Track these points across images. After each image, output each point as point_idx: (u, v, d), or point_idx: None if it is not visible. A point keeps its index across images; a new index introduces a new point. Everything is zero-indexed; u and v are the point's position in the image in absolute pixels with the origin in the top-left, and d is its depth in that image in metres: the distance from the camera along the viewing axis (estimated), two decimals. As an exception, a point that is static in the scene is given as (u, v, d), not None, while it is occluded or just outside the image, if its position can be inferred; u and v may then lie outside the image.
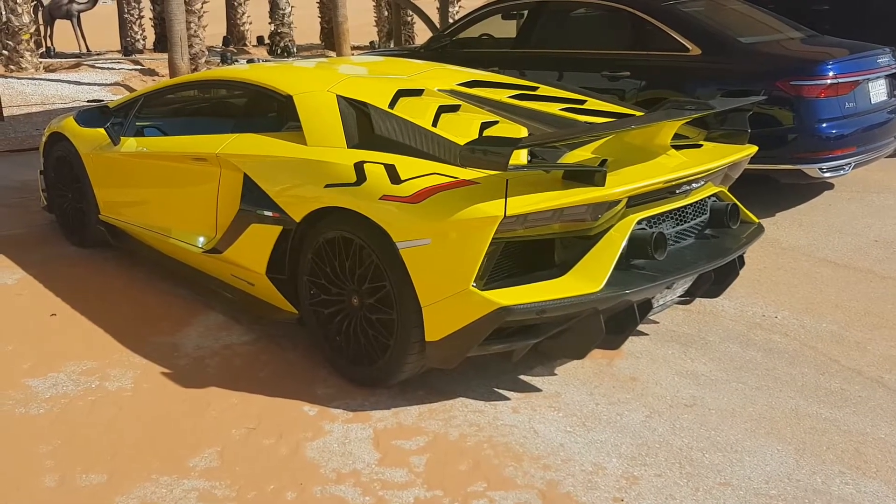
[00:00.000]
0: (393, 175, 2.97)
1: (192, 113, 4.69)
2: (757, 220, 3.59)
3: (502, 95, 3.84)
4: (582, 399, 3.12)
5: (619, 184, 2.85)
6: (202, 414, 3.04)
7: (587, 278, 2.83)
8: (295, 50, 21.92)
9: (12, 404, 3.12)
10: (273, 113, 3.92)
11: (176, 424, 2.98)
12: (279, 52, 21.98)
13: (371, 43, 22.09)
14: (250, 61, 16.71)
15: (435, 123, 3.32)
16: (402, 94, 3.64)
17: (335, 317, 3.28)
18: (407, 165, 3.01)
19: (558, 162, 3.05)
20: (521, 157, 2.88)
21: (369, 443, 2.84)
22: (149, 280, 4.45)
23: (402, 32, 17.97)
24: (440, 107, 3.52)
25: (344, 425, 2.96)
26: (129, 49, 21.06)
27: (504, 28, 7.49)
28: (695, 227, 3.30)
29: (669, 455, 2.75)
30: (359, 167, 3.07)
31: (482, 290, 2.78)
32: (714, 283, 3.37)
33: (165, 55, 19.90)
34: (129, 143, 4.35)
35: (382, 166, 3.03)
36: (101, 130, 4.53)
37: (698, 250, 3.21)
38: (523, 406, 3.07)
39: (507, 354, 3.05)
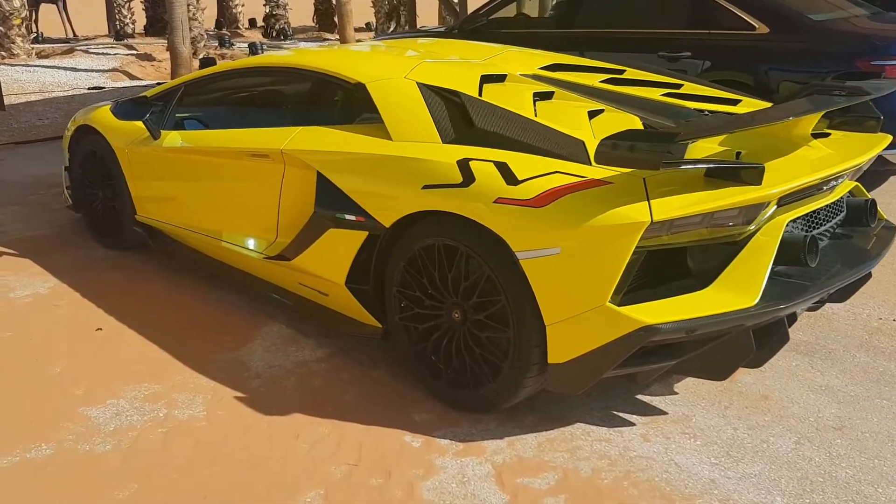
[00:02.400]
0: (507, 174, 2.61)
1: (243, 104, 4.29)
2: (884, 217, 3.26)
3: (592, 80, 3.48)
4: (716, 423, 2.78)
5: (774, 182, 2.49)
6: (292, 448, 2.69)
7: (738, 290, 2.49)
8: (291, 32, 21.41)
9: (73, 440, 2.76)
10: (341, 103, 3.54)
11: (264, 462, 2.62)
12: (275, 34, 21.46)
13: (367, 24, 21.57)
14: (252, 45, 16.19)
15: (535, 114, 2.95)
16: (485, 80, 3.27)
17: (431, 333, 2.92)
18: (521, 163, 2.65)
19: (706, 158, 2.68)
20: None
21: (492, 481, 2.50)
22: (195, 287, 4.08)
23: (401, 13, 17.48)
24: (534, 94, 3.15)
25: (457, 460, 2.61)
26: (120, 33, 20.48)
27: (541, 7, 7.12)
28: (832, 227, 2.95)
29: (837, 490, 2.42)
30: (464, 166, 2.70)
31: (620, 305, 2.42)
32: (846, 286, 3.03)
33: (159, 39, 19.37)
34: (172, 138, 3.95)
35: (492, 164, 2.67)
36: (138, 123, 4.14)
37: (840, 253, 2.87)
38: (653, 433, 2.73)
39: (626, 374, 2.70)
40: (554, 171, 2.58)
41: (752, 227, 2.54)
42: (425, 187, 2.76)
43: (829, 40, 5.14)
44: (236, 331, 3.57)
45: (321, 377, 3.16)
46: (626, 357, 2.46)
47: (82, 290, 4.04)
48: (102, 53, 17.62)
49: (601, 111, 3.08)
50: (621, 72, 3.73)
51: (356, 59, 3.70)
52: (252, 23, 22.02)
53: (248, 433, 2.78)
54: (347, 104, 3.47)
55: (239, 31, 22.00)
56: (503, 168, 2.63)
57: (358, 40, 14.86)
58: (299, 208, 3.36)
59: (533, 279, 2.52)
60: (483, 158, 2.70)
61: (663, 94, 3.38)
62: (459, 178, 2.68)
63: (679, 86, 3.58)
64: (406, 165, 2.86)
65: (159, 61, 16.55)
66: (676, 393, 2.97)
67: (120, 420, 2.87)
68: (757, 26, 5.38)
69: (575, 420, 2.82)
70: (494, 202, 2.58)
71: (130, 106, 4.38)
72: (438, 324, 2.90)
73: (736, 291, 2.48)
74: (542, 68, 3.60)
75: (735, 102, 3.33)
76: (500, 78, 3.39)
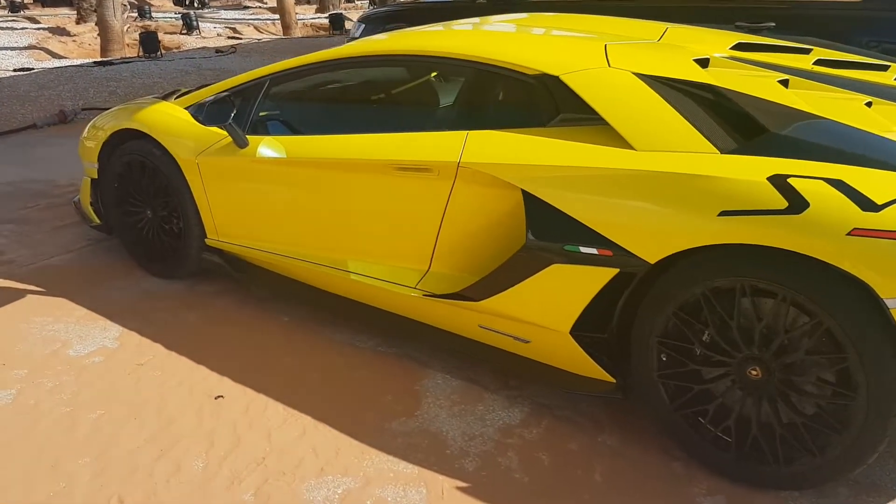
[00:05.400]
0: (856, 197, 2.01)
1: (363, 102, 3.51)
2: None
3: (804, 63, 2.92)
4: None
5: None
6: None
7: None
8: (208, 0, 20.01)
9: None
10: (521, 100, 2.85)
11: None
12: (188, 2, 20.01)
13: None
14: (185, 16, 14.86)
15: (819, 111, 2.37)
16: (702, 66, 2.67)
17: (709, 398, 2.33)
18: (865, 180, 2.06)
19: None
20: None
21: None
22: (305, 326, 3.35)
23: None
24: (778, 82, 2.56)
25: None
26: (15, 4, 18.70)
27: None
28: None
29: None
30: (783, 185, 2.09)
31: None
32: None
33: (59, 10, 17.68)
34: (268, 146, 3.16)
35: (825, 183, 2.06)
36: (213, 129, 3.32)
37: None
38: None
39: None
40: (915, 189, 2.00)
41: None
42: (724, 214, 2.13)
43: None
44: (394, 387, 2.88)
45: (545, 450, 2.52)
46: None
47: (162, 340, 3.24)
48: (7, 28, 15.96)
49: (869, 103, 2.51)
50: (808, 51, 3.17)
51: (517, 43, 2.98)
52: (165, -10, 20.47)
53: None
54: (531, 102, 2.78)
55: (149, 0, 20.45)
56: (844, 188, 2.04)
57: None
58: (478, 235, 2.70)
59: (905, 335, 1.95)
60: (807, 175, 2.10)
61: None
62: (783, 203, 2.06)
63: (886, 66, 3.06)
64: (684, 185, 2.22)
65: (75, 35, 15.09)
66: None
67: (329, 539, 2.16)
68: (853, -7, 4.91)
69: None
70: (848, 234, 1.98)
71: (197, 107, 3.54)
72: (722, 387, 2.30)
73: None
74: (733, 48, 3.02)
75: None
76: (704, 62, 2.78)
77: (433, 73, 3.26)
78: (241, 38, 16.56)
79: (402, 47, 3.10)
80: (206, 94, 3.56)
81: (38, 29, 15.67)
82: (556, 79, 2.64)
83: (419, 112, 3.31)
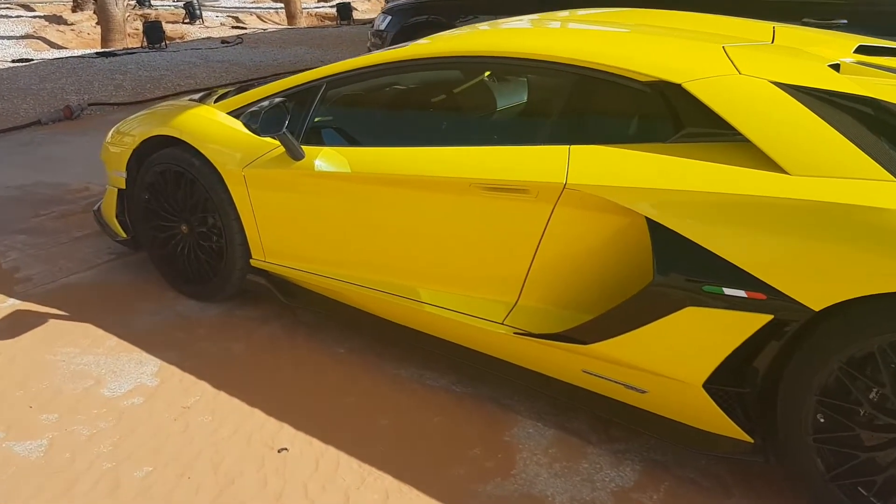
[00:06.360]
0: None
1: (439, 110, 3.13)
2: None
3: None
4: None
5: None
6: None
7: None
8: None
9: None
10: (635, 111, 2.48)
11: None
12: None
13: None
14: (188, 4, 14.41)
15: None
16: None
17: (878, 469, 1.96)
18: None
19: None
20: None
21: None
22: (364, 359, 3.00)
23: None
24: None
25: None
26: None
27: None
28: None
29: None
30: None
31: None
32: None
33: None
34: (326, 158, 2.79)
35: None
36: (262, 138, 2.95)
37: None
38: None
39: None
40: None
41: None
42: (915, 255, 1.77)
43: None
44: (480, 437, 2.52)
45: (674, 519, 2.15)
46: None
47: (207, 377, 2.86)
48: (2, 16, 15.51)
49: None
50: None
51: (623, 44, 2.60)
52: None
53: None
54: (645, 113, 2.42)
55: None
56: None
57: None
58: (578, 266, 2.35)
59: None
60: None
61: None
62: None
63: None
64: (863, 220, 1.86)
65: (72, 24, 14.65)
66: None
67: None
68: (934, -12, 4.57)
69: None
70: None
71: (242, 112, 3.16)
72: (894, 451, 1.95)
73: None
74: (857, 52, 2.67)
75: None
76: (836, 70, 2.43)
77: (520, 78, 2.88)
78: (245, 28, 16.11)
79: (482, 47, 2.72)
80: (250, 97, 3.18)
81: (34, 17, 15.21)
82: (677, 87, 2.28)
83: (505, 123, 2.94)
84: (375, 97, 3.10)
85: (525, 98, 3.01)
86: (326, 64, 2.97)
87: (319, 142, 2.95)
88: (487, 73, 3.02)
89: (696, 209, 2.06)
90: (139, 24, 14.14)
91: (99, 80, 9.16)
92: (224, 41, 13.13)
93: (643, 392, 2.31)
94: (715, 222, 2.03)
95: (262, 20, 18.11)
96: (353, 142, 2.95)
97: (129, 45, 12.28)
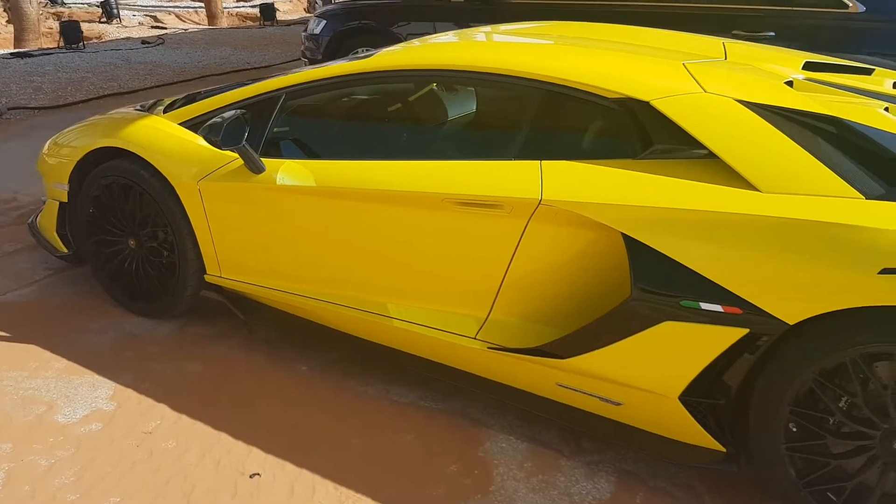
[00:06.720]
0: None
1: (405, 123, 3.10)
2: None
3: (878, 84, 2.71)
4: None
5: None
6: None
7: None
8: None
9: None
10: (603, 128, 2.52)
11: None
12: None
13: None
14: (105, 3, 13.90)
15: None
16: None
17: (847, 475, 2.05)
18: None
19: None
20: None
21: None
22: (327, 375, 2.96)
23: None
24: (882, 111, 2.33)
25: None
26: None
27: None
28: None
29: None
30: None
31: None
32: None
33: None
34: (290, 172, 2.74)
35: None
36: (218, 150, 2.88)
37: None
38: None
39: None
40: None
41: None
42: (885, 272, 1.85)
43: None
44: (454, 453, 2.52)
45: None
46: None
47: (166, 399, 2.78)
48: None
49: None
50: (870, 71, 2.96)
51: (584, 59, 2.63)
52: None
53: None
54: (613, 129, 2.47)
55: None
56: None
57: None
58: (551, 281, 2.38)
59: None
60: (985, 228, 1.83)
61: None
62: (966, 260, 1.80)
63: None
64: (835, 237, 1.93)
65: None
66: None
67: None
68: (850, 4, 4.81)
69: None
70: None
71: (195, 123, 3.07)
72: (863, 458, 2.03)
73: None
74: (805, 68, 2.78)
75: None
76: (789, 84, 2.54)
77: (486, 92, 2.88)
78: (165, 28, 15.66)
79: (448, 61, 2.72)
80: (204, 107, 3.10)
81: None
82: (645, 104, 2.33)
83: (473, 137, 2.94)
84: (338, 109, 3.06)
85: (489, 112, 3.01)
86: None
87: (279, 154, 2.89)
88: (438, 87, 3.01)
89: (672, 226, 2.10)
90: (53, 24, 13.59)
91: (16, 83, 8.76)
92: (145, 41, 12.74)
93: (618, 404, 2.34)
94: (692, 238, 2.08)
95: (181, 20, 17.64)
96: (315, 154, 2.90)
97: (44, 45, 11.77)
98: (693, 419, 2.21)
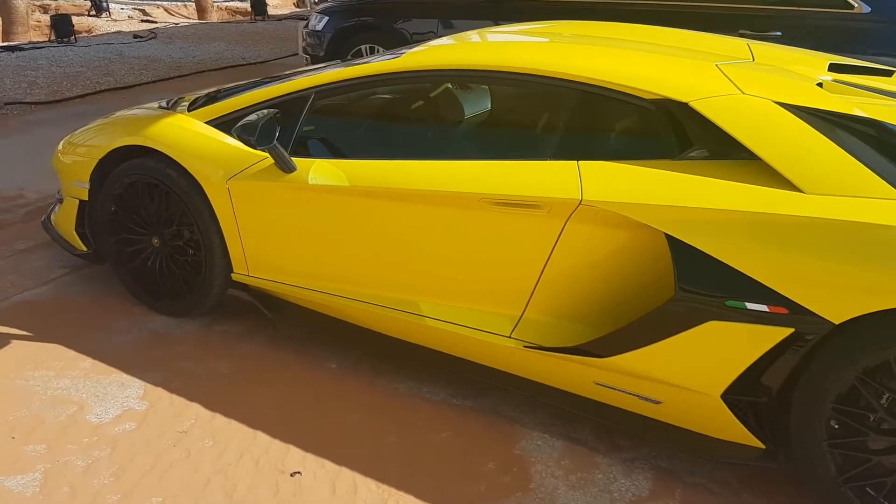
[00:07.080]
0: None
1: (439, 123, 3.10)
2: None
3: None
4: None
5: None
6: None
7: None
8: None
9: None
10: (641, 129, 2.54)
11: None
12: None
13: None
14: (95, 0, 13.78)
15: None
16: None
17: (890, 471, 2.09)
18: None
19: None
20: None
21: None
22: (358, 374, 2.97)
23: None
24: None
25: None
26: None
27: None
28: None
29: None
30: None
31: None
32: None
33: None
34: (322, 171, 2.75)
35: None
36: (248, 149, 2.88)
37: None
38: None
39: None
40: None
41: None
42: (932, 271, 1.89)
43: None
44: (491, 451, 2.53)
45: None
46: None
47: (198, 398, 2.77)
48: None
49: None
50: (891, 73, 3.01)
51: (622, 61, 2.65)
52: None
53: None
54: (651, 130, 2.48)
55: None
56: None
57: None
58: (588, 280, 2.39)
59: None
60: None
61: None
62: None
63: None
64: (883, 238, 1.96)
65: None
66: None
67: None
68: (856, 5, 4.87)
69: None
70: None
71: (223, 121, 3.06)
72: (905, 454, 2.07)
73: None
74: (832, 70, 2.82)
75: None
76: (819, 86, 2.57)
77: (520, 92, 2.89)
78: (154, 22, 15.54)
79: (483, 61, 2.73)
80: (231, 106, 3.09)
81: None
82: (684, 105, 2.35)
83: (509, 137, 2.95)
84: (369, 108, 3.06)
85: (526, 113, 3.02)
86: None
87: (308, 153, 2.89)
88: (486, 86, 3.02)
89: (717, 227, 2.12)
90: (40, 16, 13.44)
91: (10, 77, 8.67)
92: (136, 36, 12.64)
93: (658, 403, 2.37)
94: (737, 239, 2.10)
95: (170, 13, 17.51)
96: (347, 154, 2.90)
97: (34, 39, 11.65)
98: (734, 417, 2.23)
